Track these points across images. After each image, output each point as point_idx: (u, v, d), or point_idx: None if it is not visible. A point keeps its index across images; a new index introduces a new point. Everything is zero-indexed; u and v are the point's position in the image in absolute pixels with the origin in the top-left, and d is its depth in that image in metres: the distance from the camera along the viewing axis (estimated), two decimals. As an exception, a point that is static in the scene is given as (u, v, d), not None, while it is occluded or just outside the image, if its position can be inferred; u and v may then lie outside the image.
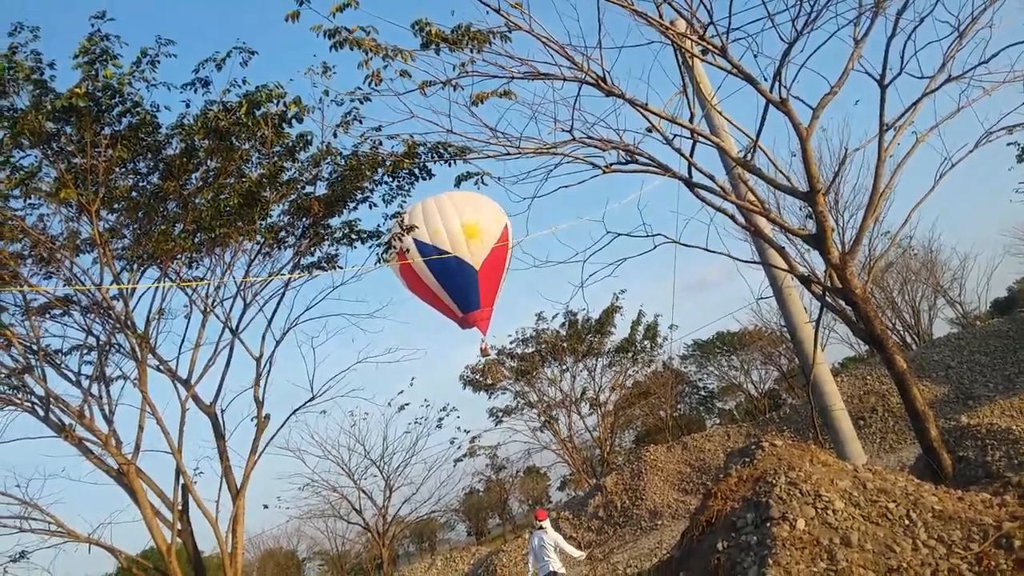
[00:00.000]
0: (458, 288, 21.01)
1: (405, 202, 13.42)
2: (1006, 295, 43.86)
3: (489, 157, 10.62)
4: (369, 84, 9.71)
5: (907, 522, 6.40)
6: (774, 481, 7.00)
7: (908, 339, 34.63)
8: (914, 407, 9.14)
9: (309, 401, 14.15)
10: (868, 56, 9.54)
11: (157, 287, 12.74)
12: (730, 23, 9.22)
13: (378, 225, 13.65)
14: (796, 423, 22.24)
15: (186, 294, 13.53)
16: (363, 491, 28.24)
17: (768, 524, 6.57)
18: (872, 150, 9.91)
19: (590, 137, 10.04)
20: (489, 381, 31.22)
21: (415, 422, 28.59)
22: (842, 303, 10.11)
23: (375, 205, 13.18)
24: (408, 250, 19.16)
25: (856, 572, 5.91)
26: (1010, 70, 9.91)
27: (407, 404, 27.50)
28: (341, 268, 13.67)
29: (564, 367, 31.39)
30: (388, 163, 12.12)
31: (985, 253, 73.73)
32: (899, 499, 6.70)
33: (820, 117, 9.76)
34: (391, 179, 12.78)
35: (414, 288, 21.72)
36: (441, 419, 28.52)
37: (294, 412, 14.42)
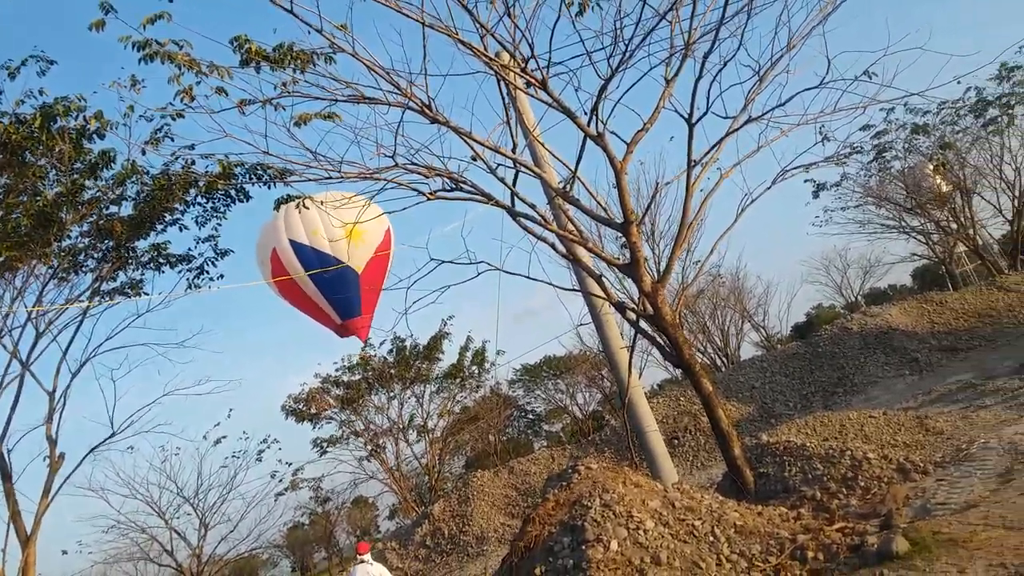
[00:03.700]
0: (338, 293, 19.30)
1: (220, 224, 12.86)
2: (804, 319, 47.64)
3: (310, 180, 10.36)
4: (181, 101, 9.25)
5: (712, 538, 6.70)
6: (589, 504, 7.15)
7: (719, 361, 36.76)
8: (719, 427, 9.67)
9: (109, 438, 13.23)
10: (679, 95, 10.08)
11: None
12: (550, 58, 9.51)
13: (189, 249, 12.99)
14: (616, 444, 23.00)
15: (-33, 323, 12.34)
16: (175, 531, 26.53)
17: (583, 547, 6.69)
18: (683, 184, 10.49)
19: (414, 164, 10.01)
20: (313, 410, 30.28)
21: (233, 456, 27.20)
22: (654, 329, 10.56)
23: (186, 228, 12.54)
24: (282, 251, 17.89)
25: (664, 590, 6.12)
26: (804, 113, 10.79)
27: (224, 437, 26.10)
28: (147, 295, 12.89)
29: (392, 394, 30.98)
30: (201, 183, 11.56)
31: (786, 281, 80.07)
32: (704, 516, 7.02)
33: (634, 152, 10.21)
34: (205, 200, 12.20)
35: (287, 294, 20.12)
36: (261, 452, 27.33)
37: (92, 450, 13.43)
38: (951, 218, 31.28)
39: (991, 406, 12.15)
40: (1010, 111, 27.59)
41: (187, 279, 13.04)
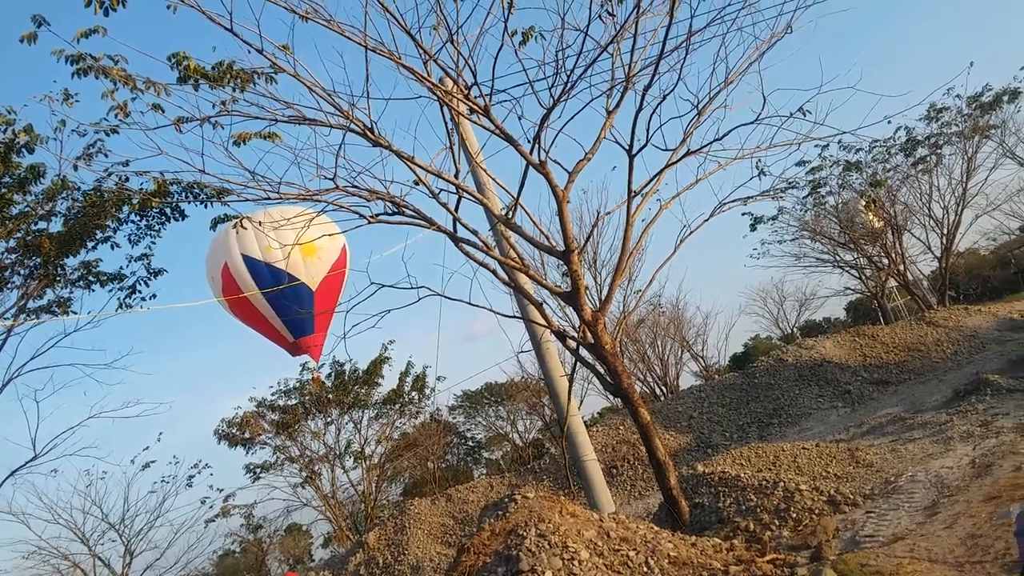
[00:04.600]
0: (291, 311, 18.77)
1: (154, 243, 12.54)
2: (742, 350, 48.38)
3: (248, 200, 10.20)
4: (115, 116, 9.05)
5: (645, 569, 6.67)
6: (525, 534, 7.08)
7: (658, 390, 37.03)
8: (656, 457, 9.69)
9: (30, 461, 12.68)
10: (620, 127, 10.21)
11: None
12: (493, 85, 9.54)
13: (121, 267, 12.61)
14: (555, 472, 22.95)
15: None
16: (99, 558, 25.57)
17: (517, 578, 6.61)
18: (624, 214, 10.58)
19: (355, 186, 9.93)
20: (247, 435, 29.59)
21: (162, 481, 26.40)
22: (594, 357, 10.58)
23: (118, 246, 12.19)
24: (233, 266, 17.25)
25: (597, 623, 6.06)
26: (741, 148, 11.02)
27: (153, 461, 25.33)
28: (75, 313, 12.46)
29: (329, 420, 30.48)
30: (135, 201, 11.27)
31: (724, 312, 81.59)
32: (639, 547, 6.99)
33: (576, 180, 10.29)
34: (139, 218, 11.90)
35: (238, 311, 19.46)
36: (192, 477, 26.58)
37: (12, 473, 12.86)
38: (883, 254, 32.20)
39: (919, 439, 12.42)
40: (938, 151, 28.63)
41: (118, 298, 12.66)
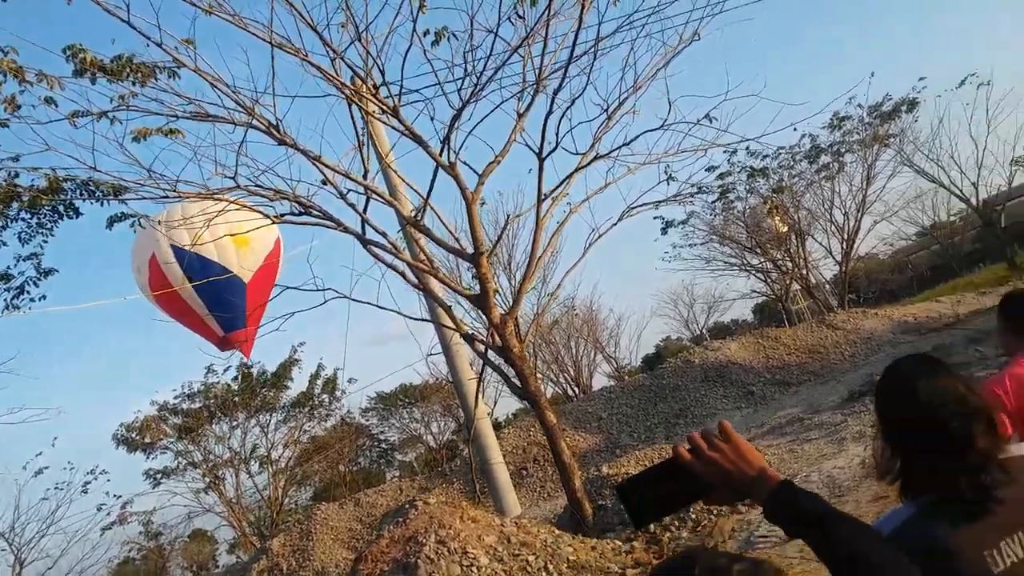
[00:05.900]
0: (222, 304, 17.71)
1: (47, 241, 11.93)
2: (654, 351, 49.28)
3: (145, 199, 9.90)
4: (4, 110, 8.67)
5: (545, 574, 6.69)
6: (424, 541, 7.02)
7: (571, 391, 37.36)
8: (561, 460, 9.75)
9: (-95, 470, 11.92)
10: (530, 130, 10.22)
11: None
12: (402, 85, 9.45)
13: (8, 267, 11.94)
14: (466, 475, 22.80)
15: None
16: (-14, 569, 24.37)
17: (416, 586, 6.54)
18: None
19: (257, 186, 9.69)
20: (147, 440, 28.58)
21: (55, 487, 25.30)
22: (502, 360, 10.58)
23: (5, 244, 11.57)
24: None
25: (493, 630, 6.04)
26: (649, 153, 11.19)
27: (46, 467, 24.24)
28: (-45, 316, 11.77)
29: (235, 423, 29.68)
30: (25, 198, 10.72)
31: (637, 314, 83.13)
32: (539, 551, 7.01)
33: (487, 183, 10.28)
34: (29, 215, 11.31)
35: (164, 304, 18.31)
36: (87, 483, 25.55)
37: None
38: (787, 258, 33.18)
39: (815, 439, 12.82)
40: (840, 158, 29.71)
41: (5, 299, 11.98)
